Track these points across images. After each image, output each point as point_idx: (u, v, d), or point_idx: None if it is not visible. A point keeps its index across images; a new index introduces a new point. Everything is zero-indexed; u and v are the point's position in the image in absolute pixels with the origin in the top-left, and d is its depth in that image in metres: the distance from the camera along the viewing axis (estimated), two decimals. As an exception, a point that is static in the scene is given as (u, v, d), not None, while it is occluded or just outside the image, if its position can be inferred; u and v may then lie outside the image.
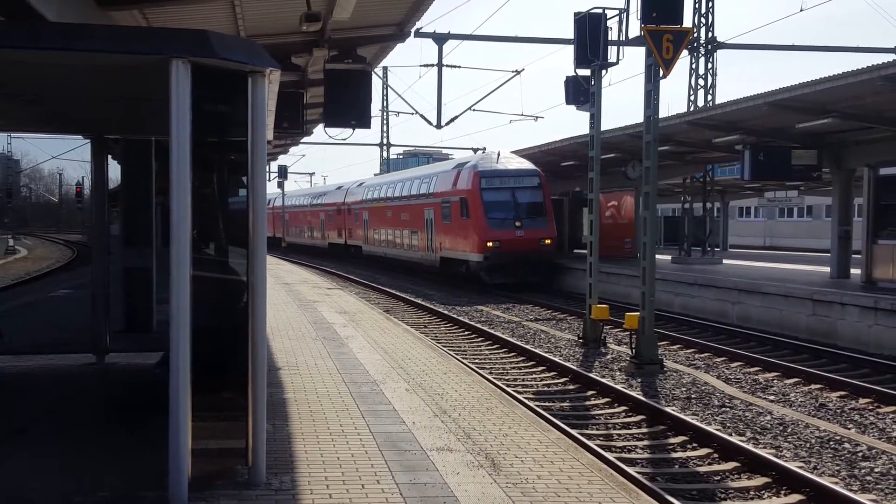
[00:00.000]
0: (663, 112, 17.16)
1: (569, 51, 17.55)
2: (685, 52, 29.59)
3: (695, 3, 34.25)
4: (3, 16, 8.22)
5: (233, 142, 6.34)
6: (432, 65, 30.43)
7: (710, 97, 34.63)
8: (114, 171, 10.96)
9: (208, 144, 6.22)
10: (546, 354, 16.35)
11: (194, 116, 5.54)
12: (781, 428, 11.14)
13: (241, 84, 5.78)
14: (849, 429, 11.22)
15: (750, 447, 9.91)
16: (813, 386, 13.96)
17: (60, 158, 11.85)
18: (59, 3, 8.52)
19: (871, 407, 12.52)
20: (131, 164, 10.99)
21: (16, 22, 7.87)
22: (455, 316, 22.34)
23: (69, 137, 11.05)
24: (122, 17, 10.68)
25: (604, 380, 13.88)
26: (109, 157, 10.75)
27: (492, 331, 19.54)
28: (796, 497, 8.56)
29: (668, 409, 11.81)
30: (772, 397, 13.11)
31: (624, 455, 10.01)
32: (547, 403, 12.60)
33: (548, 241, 30.67)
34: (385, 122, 61.72)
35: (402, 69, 51.61)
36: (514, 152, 33.83)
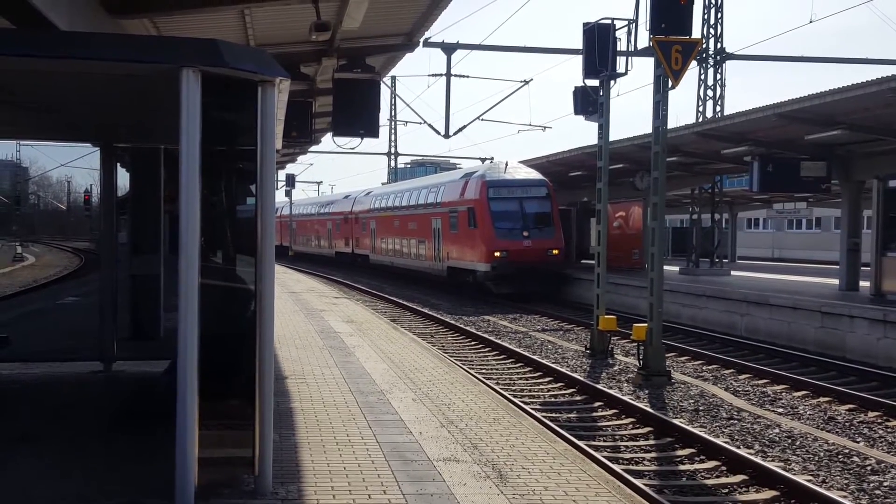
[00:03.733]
0: (672, 123, 17.19)
1: (577, 61, 17.57)
2: (694, 63, 29.59)
3: (704, 13, 34.29)
4: (13, 24, 8.25)
5: (242, 150, 6.35)
6: (441, 74, 30.51)
7: (718, 108, 34.61)
8: (122, 178, 11.00)
9: (217, 153, 6.22)
10: (553, 365, 16.31)
11: (204, 125, 5.55)
12: (790, 441, 11.08)
13: (251, 93, 5.79)
14: (858, 442, 11.16)
15: (758, 460, 9.86)
16: (821, 399, 13.89)
17: (69, 166, 11.88)
18: (69, 11, 8.56)
19: (880, 420, 12.45)
20: (140, 171, 11.02)
21: (26, 30, 7.91)
22: (462, 326, 22.31)
23: (78, 145, 11.08)
24: (133, 26, 10.72)
25: (611, 391, 13.83)
26: (118, 164, 10.78)
27: (499, 341, 19.51)
28: (805, 511, 8.51)
29: (676, 421, 11.76)
30: (780, 410, 13.04)
31: (631, 467, 9.96)
32: (554, 414, 12.56)
33: (555, 252, 30.63)
34: (393, 131, 61.88)
35: (411, 79, 52.03)
36: (522, 162, 33.83)
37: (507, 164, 32.79)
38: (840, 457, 10.36)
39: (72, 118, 8.85)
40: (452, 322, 23.14)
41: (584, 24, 17.04)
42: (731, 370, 16.49)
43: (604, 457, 9.91)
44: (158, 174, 10.66)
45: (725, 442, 10.81)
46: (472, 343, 19.98)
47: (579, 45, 17.44)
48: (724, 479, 9.56)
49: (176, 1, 10.33)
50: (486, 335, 20.52)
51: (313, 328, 16.85)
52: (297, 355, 13.05)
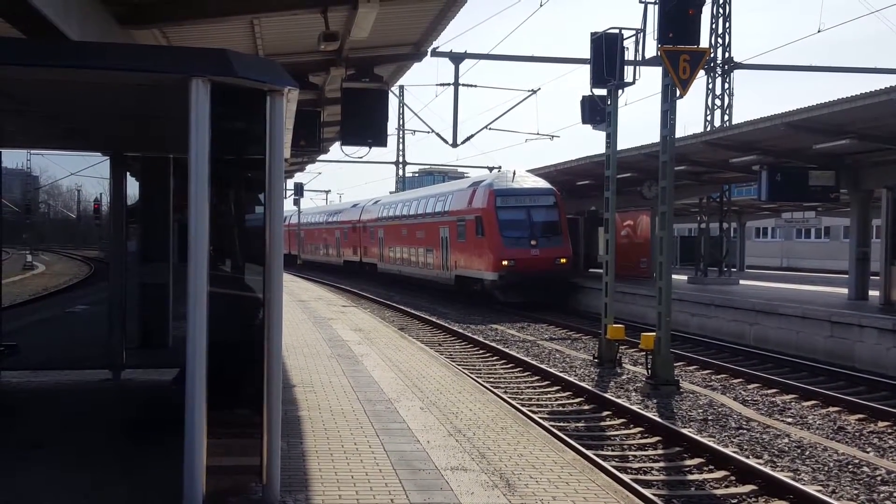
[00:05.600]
0: (680, 132, 17.18)
1: (585, 70, 17.65)
2: (702, 72, 29.58)
3: (711, 23, 34.27)
4: (25, 34, 8.31)
5: (250, 159, 6.38)
6: (449, 84, 30.58)
7: (726, 117, 34.56)
8: (132, 187, 11.04)
9: (226, 162, 6.25)
10: (561, 374, 16.28)
11: (213, 134, 5.57)
12: (799, 451, 11.04)
13: (260, 102, 5.81)
14: (868, 452, 11.11)
15: (767, 470, 9.82)
16: (831, 408, 13.83)
17: (79, 175, 11.93)
18: (80, 21, 8.61)
19: (890, 430, 12.39)
20: (149, 180, 11.06)
21: (38, 40, 7.96)
22: (470, 334, 22.30)
23: (88, 154, 11.13)
24: (143, 36, 10.78)
25: (619, 400, 13.80)
26: (128, 173, 10.83)
27: (506, 350, 19.49)
28: (814, 521, 8.46)
29: (685, 431, 11.72)
30: (789, 420, 12.99)
31: (640, 477, 9.93)
32: (562, 423, 12.53)
33: (563, 260, 30.61)
34: (401, 140, 61.90)
35: (419, 88, 52.02)
36: (530, 171, 33.84)
37: (514, 173, 32.81)
38: (850, 467, 10.31)
39: (82, 127, 8.90)
40: (460, 331, 23.13)
41: (592, 34, 17.07)
42: (740, 380, 16.43)
43: (612, 466, 9.88)
44: (167, 183, 10.71)
45: (734, 452, 10.77)
46: (480, 352, 19.97)
47: (587, 54, 17.48)
48: (733, 489, 9.53)
49: (186, 11, 10.39)
50: (493, 344, 20.50)
51: (321, 337, 16.87)
52: (305, 364, 13.06)
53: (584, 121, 20.12)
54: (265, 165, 5.92)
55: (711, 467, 10.32)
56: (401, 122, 60.35)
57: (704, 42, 26.07)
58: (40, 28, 7.92)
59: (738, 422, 12.64)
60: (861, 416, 13.26)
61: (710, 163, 25.98)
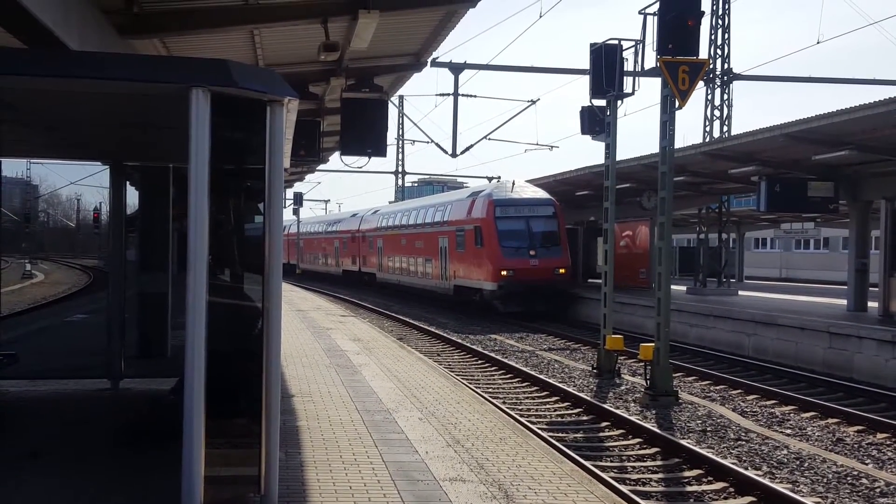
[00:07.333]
0: (679, 143, 17.21)
1: (584, 81, 17.67)
2: (701, 83, 29.62)
3: (710, 34, 34.35)
4: (25, 44, 8.32)
5: (250, 169, 6.38)
6: (448, 94, 30.66)
7: (725, 128, 34.61)
8: (131, 196, 11.05)
9: (226, 171, 6.25)
10: (560, 384, 16.27)
11: (213, 144, 5.57)
12: (798, 462, 11.02)
13: (260, 112, 5.82)
14: (866, 464, 11.09)
15: (766, 482, 9.80)
16: (830, 420, 13.82)
17: (79, 184, 11.95)
18: (80, 31, 8.63)
19: (889, 442, 12.38)
20: (149, 190, 11.07)
21: (38, 50, 7.97)
22: (468, 345, 22.28)
23: (88, 164, 11.14)
24: (143, 46, 10.80)
25: (618, 411, 13.78)
26: (127, 183, 10.83)
27: (505, 360, 19.47)
28: (813, 533, 8.44)
29: (683, 442, 11.70)
30: (788, 431, 12.98)
31: (638, 488, 9.91)
32: (560, 434, 12.51)
33: (562, 271, 30.63)
34: (400, 150, 61.97)
35: (419, 98, 52.16)
36: (529, 181, 33.88)
37: (513, 184, 32.85)
38: (849, 479, 10.30)
39: (82, 137, 8.91)
40: (459, 341, 23.11)
41: (592, 45, 17.12)
42: (739, 391, 16.42)
43: (611, 477, 9.86)
44: (167, 192, 10.72)
45: (733, 463, 10.76)
46: (479, 362, 19.95)
47: (587, 65, 17.53)
48: (731, 501, 9.51)
49: (186, 22, 10.42)
50: (492, 354, 20.49)
51: (320, 346, 16.85)
52: (303, 373, 13.05)
53: (584, 131, 20.15)
54: (265, 175, 5.92)
55: (710, 479, 10.30)
56: (400, 132, 60.50)
57: (703, 53, 26.12)
58: (40, 38, 7.94)
59: (737, 433, 12.62)
60: (860, 427, 13.25)
61: (709, 173, 26.01)
